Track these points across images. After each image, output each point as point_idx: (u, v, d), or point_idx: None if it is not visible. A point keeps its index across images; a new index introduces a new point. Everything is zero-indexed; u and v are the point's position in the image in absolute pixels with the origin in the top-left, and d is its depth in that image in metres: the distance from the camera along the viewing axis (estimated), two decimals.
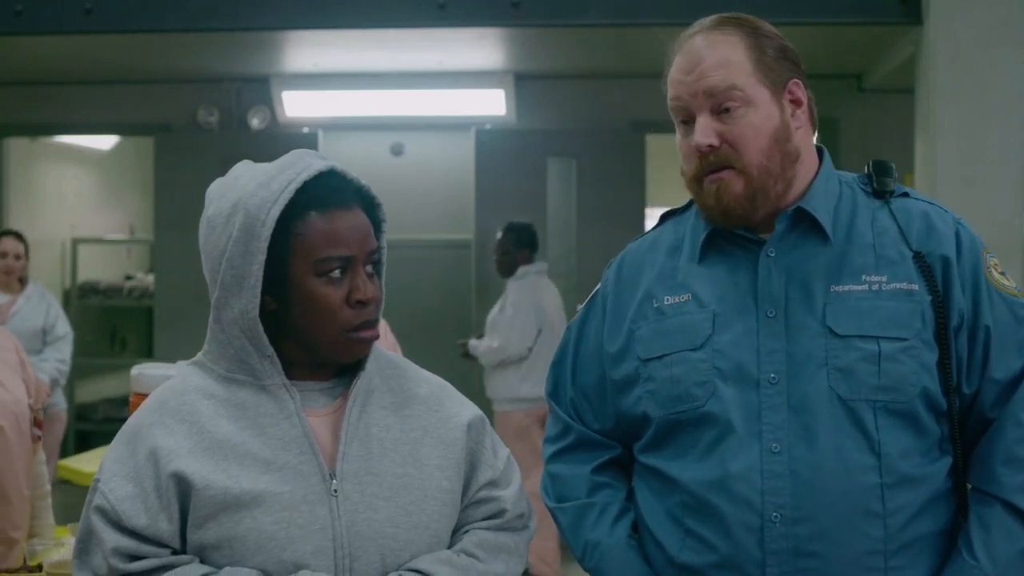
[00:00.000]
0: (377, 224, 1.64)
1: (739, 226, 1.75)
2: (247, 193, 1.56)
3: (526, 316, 5.72)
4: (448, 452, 1.66)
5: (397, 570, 1.57)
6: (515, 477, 1.75)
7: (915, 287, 1.70)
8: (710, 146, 1.71)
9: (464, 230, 7.28)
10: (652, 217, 4.33)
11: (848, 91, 6.91)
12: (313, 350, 1.61)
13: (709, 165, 1.72)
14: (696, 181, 1.75)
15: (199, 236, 1.61)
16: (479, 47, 6.35)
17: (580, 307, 1.93)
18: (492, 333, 5.84)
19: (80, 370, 7.84)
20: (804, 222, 1.74)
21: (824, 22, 5.26)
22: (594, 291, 1.91)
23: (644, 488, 1.81)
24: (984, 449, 1.71)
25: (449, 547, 1.65)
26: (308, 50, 6.44)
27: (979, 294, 1.71)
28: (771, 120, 1.72)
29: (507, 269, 5.88)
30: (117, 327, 9.00)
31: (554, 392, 1.92)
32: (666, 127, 1.93)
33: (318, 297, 1.57)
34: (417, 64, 6.66)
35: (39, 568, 2.46)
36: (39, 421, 2.69)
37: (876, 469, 1.65)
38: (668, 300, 1.78)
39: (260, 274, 1.54)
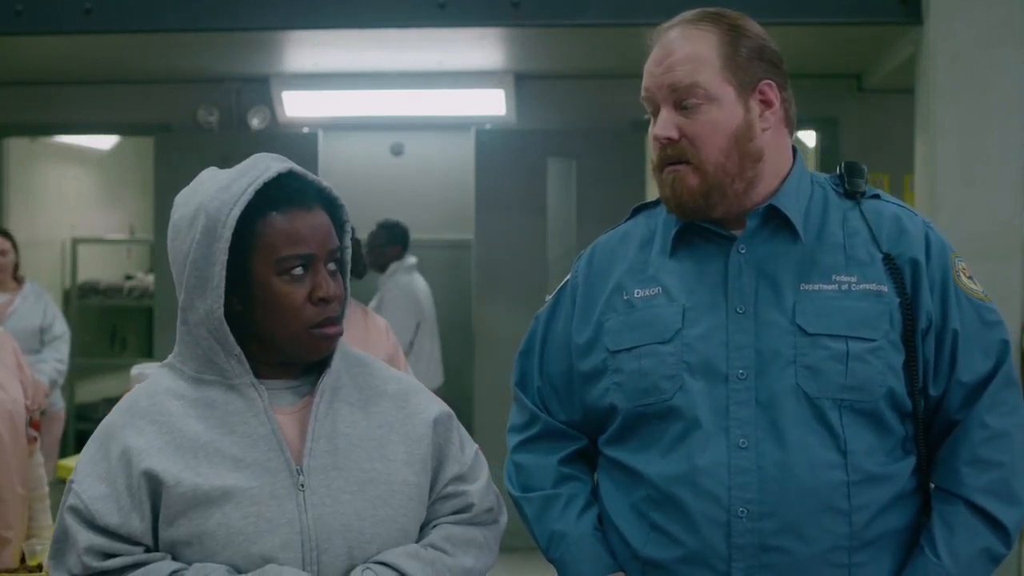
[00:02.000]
0: (340, 224, 1.67)
1: (695, 219, 1.76)
2: (208, 197, 1.60)
3: (403, 311, 5.87)
4: (414, 447, 1.68)
5: (364, 563, 1.59)
6: (483, 472, 1.78)
7: (884, 289, 1.71)
8: (668, 139, 1.73)
9: (464, 230, 7.27)
10: None
11: (848, 91, 6.89)
12: (279, 349, 1.64)
13: (667, 157, 1.75)
14: (658, 171, 1.77)
15: (167, 241, 1.64)
16: (479, 47, 6.34)
17: (548, 297, 1.94)
18: None
19: (80, 370, 7.84)
20: (775, 219, 1.76)
21: (824, 22, 5.25)
22: (563, 282, 1.93)
23: (608, 482, 1.82)
24: (949, 450, 1.73)
25: (417, 542, 1.66)
26: (308, 50, 6.43)
27: (947, 297, 1.73)
28: (733, 119, 1.73)
29: (378, 265, 6.17)
30: (117, 327, 9.01)
31: (521, 381, 1.93)
32: None
33: (281, 295, 1.60)
34: (417, 64, 6.65)
35: (39, 568, 2.47)
36: (35, 422, 2.69)
37: (842, 466, 1.67)
38: (638, 293, 1.79)
39: (223, 275, 1.57)
